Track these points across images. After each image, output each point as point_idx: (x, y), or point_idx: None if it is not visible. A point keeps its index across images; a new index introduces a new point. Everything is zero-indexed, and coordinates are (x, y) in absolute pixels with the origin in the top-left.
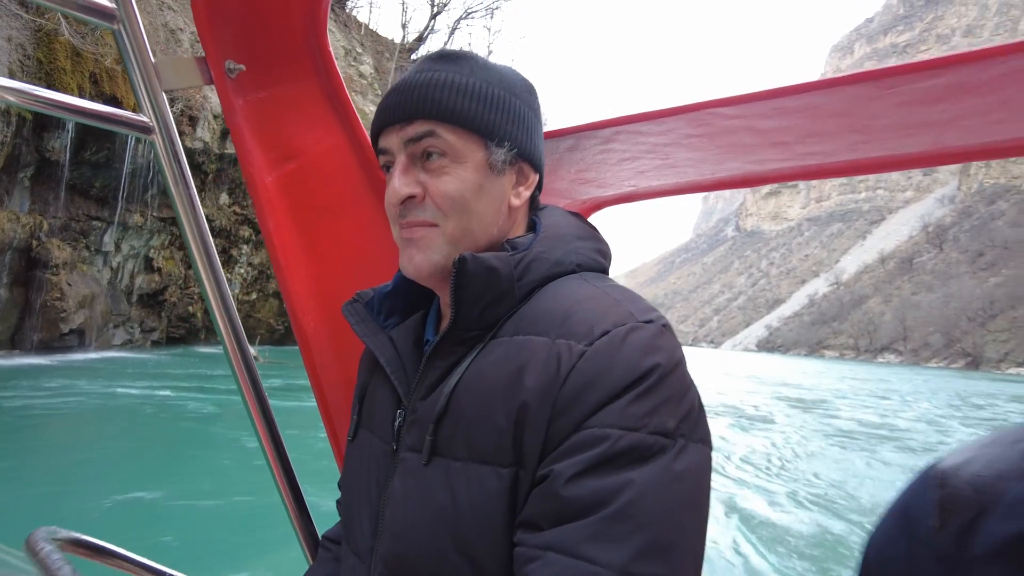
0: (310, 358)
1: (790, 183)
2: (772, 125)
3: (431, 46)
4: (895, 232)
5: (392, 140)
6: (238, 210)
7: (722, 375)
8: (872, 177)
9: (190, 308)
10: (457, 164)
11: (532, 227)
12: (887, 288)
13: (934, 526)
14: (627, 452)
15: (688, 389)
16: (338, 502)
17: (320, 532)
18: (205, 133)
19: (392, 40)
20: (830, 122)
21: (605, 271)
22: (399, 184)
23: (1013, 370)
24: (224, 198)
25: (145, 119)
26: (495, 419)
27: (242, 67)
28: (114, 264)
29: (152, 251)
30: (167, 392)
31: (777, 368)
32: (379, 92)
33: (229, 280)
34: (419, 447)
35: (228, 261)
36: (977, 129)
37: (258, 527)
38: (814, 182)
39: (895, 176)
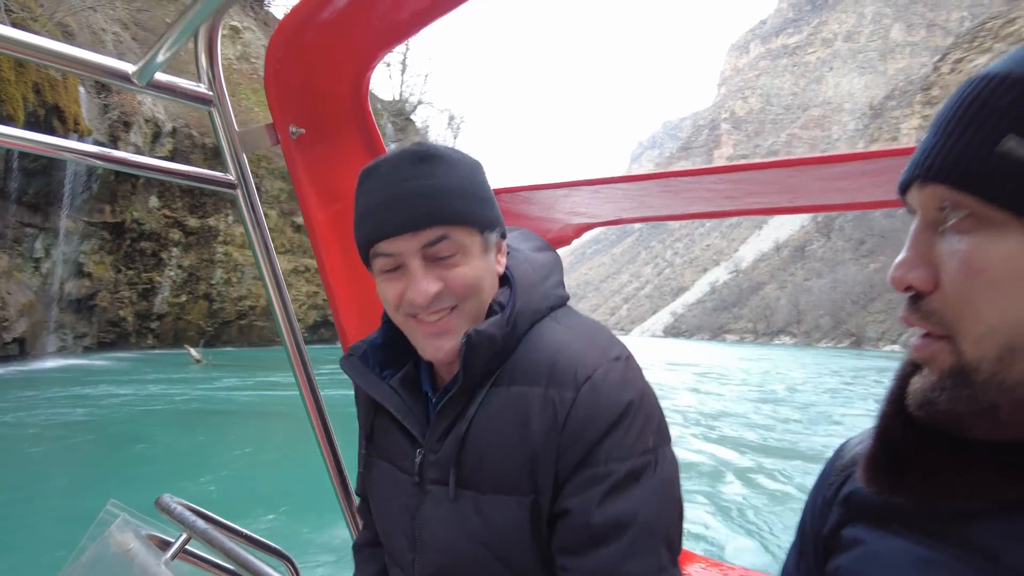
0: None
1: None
2: (722, 188)
3: None
4: (788, 222)
5: (402, 246)
6: (168, 213)
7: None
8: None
9: (120, 312)
10: (467, 256)
11: (506, 278)
12: (782, 275)
13: (832, 483)
14: (627, 477)
15: (654, 407)
16: (360, 509)
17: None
18: (138, 138)
19: None
20: (766, 187)
21: (567, 300)
22: (424, 286)
23: (888, 347)
24: (154, 201)
25: (231, 177)
26: (512, 460)
27: (303, 131)
28: (44, 270)
29: (83, 256)
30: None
31: (685, 352)
32: None
33: (158, 283)
34: (444, 481)
35: (158, 264)
36: (843, 195)
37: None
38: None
39: None
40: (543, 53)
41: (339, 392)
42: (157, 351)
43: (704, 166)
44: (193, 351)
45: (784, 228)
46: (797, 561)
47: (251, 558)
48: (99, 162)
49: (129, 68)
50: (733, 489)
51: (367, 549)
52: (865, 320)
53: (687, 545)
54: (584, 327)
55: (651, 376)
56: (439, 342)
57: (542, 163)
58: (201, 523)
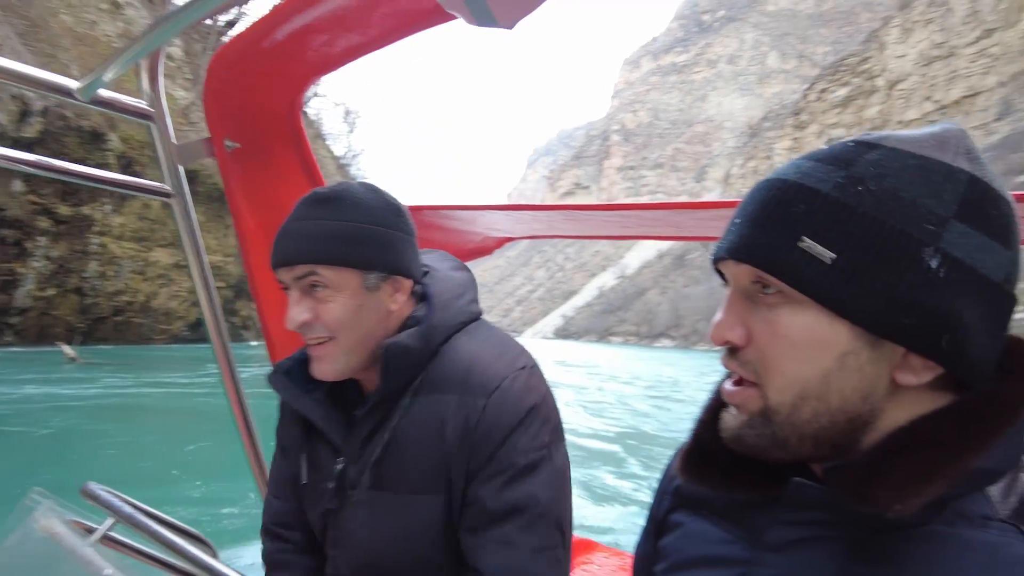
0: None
1: (584, 186)
2: (616, 221)
3: (242, 27)
4: None
5: (284, 275)
6: (35, 199)
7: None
8: (653, 183)
9: None
10: (338, 292)
11: (423, 296)
12: (664, 281)
13: (669, 476)
14: (524, 468)
15: (552, 409)
16: (270, 525)
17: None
18: (1, 116)
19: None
20: (651, 223)
21: (480, 315)
22: (295, 313)
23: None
24: (18, 186)
25: (168, 188)
26: (428, 463)
27: (237, 144)
28: None
29: None
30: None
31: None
32: (189, 76)
33: (22, 275)
34: (364, 485)
35: (22, 254)
36: (717, 231)
37: None
38: (604, 184)
39: (671, 183)
40: (447, 54)
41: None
42: (16, 349)
43: (601, 203)
44: (67, 348)
45: None
46: (646, 541)
47: (175, 540)
48: (31, 169)
49: (73, 84)
50: (624, 472)
51: (278, 565)
52: None
53: (592, 536)
54: (495, 340)
55: (550, 376)
56: (318, 365)
57: (443, 163)
58: (127, 508)
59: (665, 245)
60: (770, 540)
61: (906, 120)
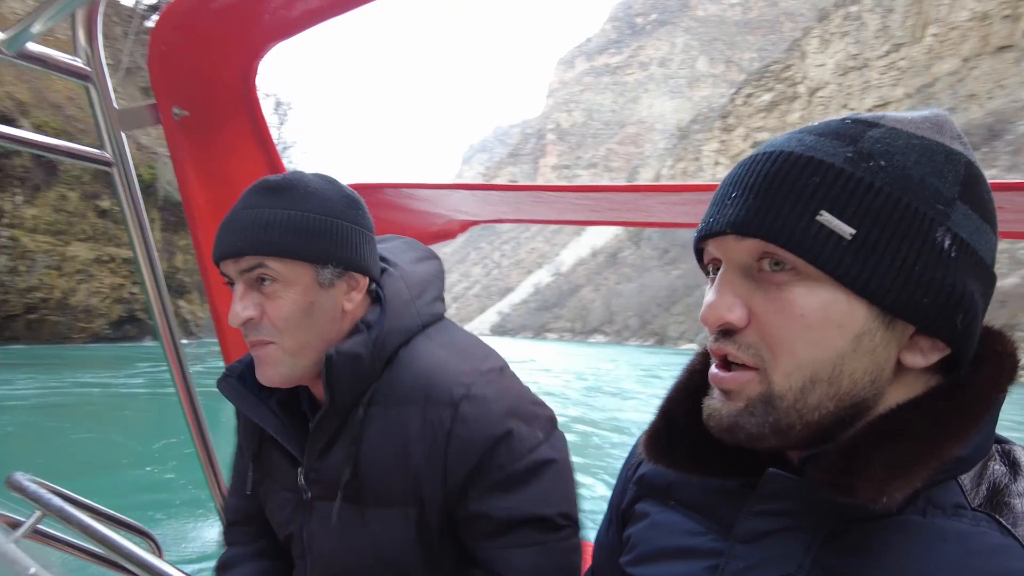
0: (227, 353)
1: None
2: (585, 203)
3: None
4: (604, 230)
5: (229, 268)
6: None
7: None
8: (588, 182)
9: None
10: (288, 288)
11: (377, 298)
12: (597, 278)
13: (632, 465)
14: (527, 472)
15: (535, 404)
16: (230, 523)
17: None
18: None
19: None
20: (621, 205)
21: (443, 315)
22: (240, 308)
23: (687, 345)
24: None
25: (107, 155)
26: (394, 478)
27: (186, 113)
28: None
29: None
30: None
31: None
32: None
33: None
34: (327, 497)
35: None
36: (687, 216)
37: None
38: (539, 182)
39: (604, 183)
40: (382, 46)
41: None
42: None
43: (570, 184)
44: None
45: (600, 236)
46: (607, 530)
47: (110, 535)
48: None
49: None
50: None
51: (229, 568)
52: (668, 321)
53: None
54: (458, 342)
55: None
56: (262, 369)
57: (377, 155)
58: (57, 500)
59: (599, 243)
60: (742, 531)
61: None
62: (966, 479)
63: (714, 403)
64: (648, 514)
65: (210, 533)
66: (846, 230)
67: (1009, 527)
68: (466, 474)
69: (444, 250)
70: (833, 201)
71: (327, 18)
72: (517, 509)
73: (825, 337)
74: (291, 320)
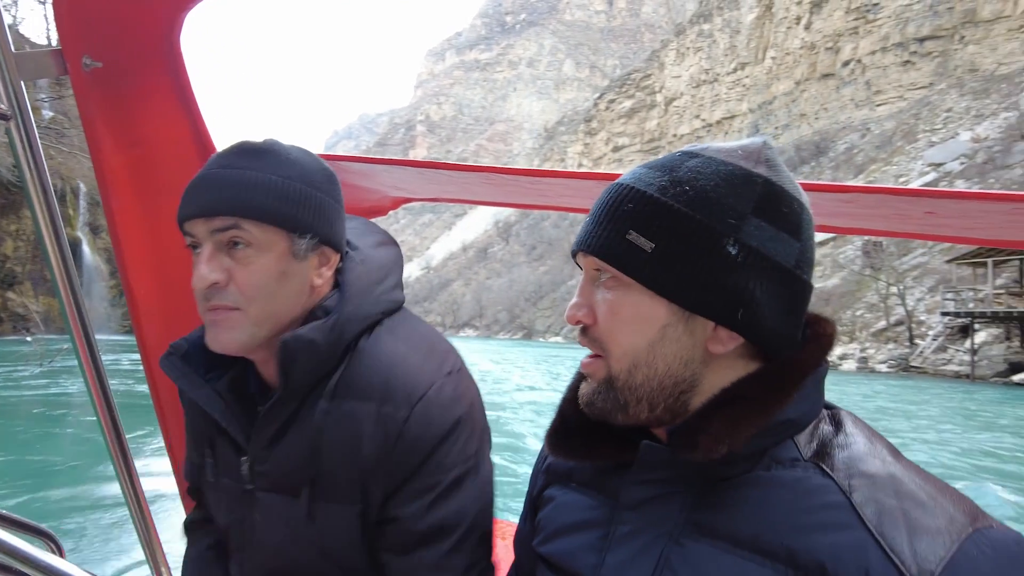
0: (141, 332)
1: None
2: (537, 188)
3: None
4: (474, 225)
5: (198, 228)
6: None
7: None
8: None
9: None
10: (261, 254)
11: (337, 282)
12: (468, 273)
13: (542, 458)
14: (453, 483)
15: (480, 416)
16: (191, 490)
17: (158, 527)
18: None
19: None
20: (576, 191)
21: (403, 303)
22: (206, 271)
23: (553, 338)
24: None
25: (3, 107)
26: (342, 474)
27: (99, 64)
28: None
29: None
30: None
31: None
32: None
33: None
34: (273, 489)
35: None
36: (574, 199)
37: None
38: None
39: None
40: (248, 24)
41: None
42: None
43: (526, 167)
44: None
45: (470, 230)
46: (524, 522)
47: (4, 536)
48: None
49: None
50: None
51: (199, 525)
52: (535, 315)
53: None
54: (420, 338)
55: None
56: (216, 332)
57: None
58: None
59: (469, 238)
60: (626, 499)
61: (680, 134)
62: (801, 438)
63: (583, 387)
64: (554, 498)
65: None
66: (647, 244)
67: (829, 471)
68: (407, 474)
69: None
70: (639, 222)
71: None
72: (437, 520)
73: (638, 329)
74: (261, 288)
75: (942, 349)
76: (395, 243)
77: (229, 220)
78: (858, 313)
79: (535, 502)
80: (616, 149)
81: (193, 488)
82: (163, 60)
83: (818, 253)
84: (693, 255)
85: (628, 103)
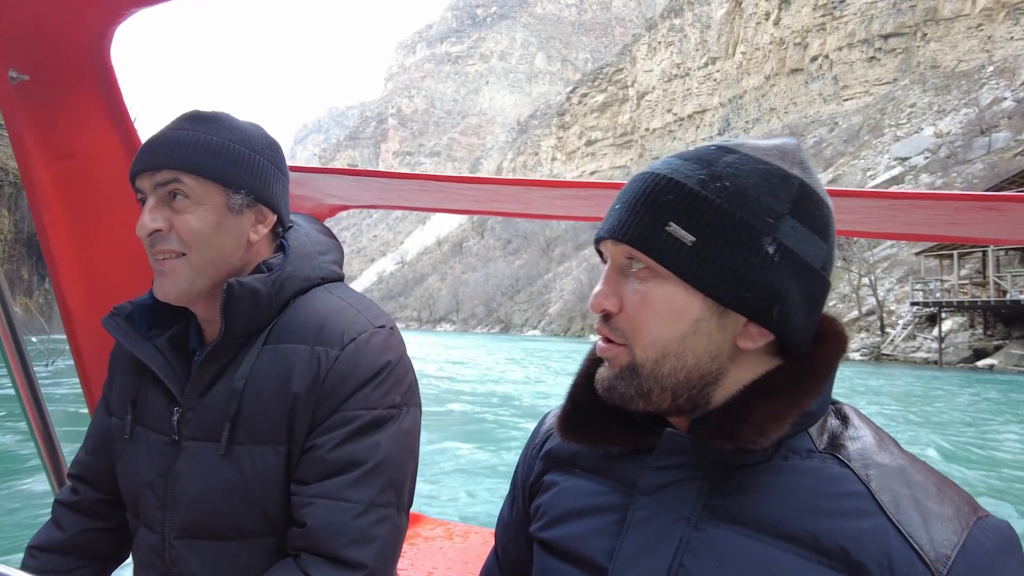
0: (75, 340)
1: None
2: (469, 194)
3: None
4: (449, 220)
5: (145, 183)
6: None
7: None
8: (432, 171)
9: None
10: (198, 205)
11: (281, 247)
12: (443, 267)
13: (537, 444)
14: (371, 424)
15: (408, 372)
16: (72, 472)
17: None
18: None
19: None
20: (505, 197)
21: (342, 278)
22: (148, 219)
23: (530, 332)
24: None
25: None
26: (271, 412)
27: (25, 77)
28: None
29: None
30: None
31: None
32: None
33: None
34: (200, 436)
35: None
36: (563, 210)
37: None
38: (381, 167)
39: (448, 172)
40: (209, 17)
41: None
42: None
43: (457, 175)
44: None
45: (445, 225)
46: (511, 507)
47: None
48: None
49: None
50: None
51: (68, 505)
52: (512, 309)
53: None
54: (357, 299)
55: None
56: (161, 281)
57: None
58: None
59: (444, 232)
60: (644, 484)
61: (652, 128)
62: (813, 430)
63: (600, 371)
64: (556, 483)
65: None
66: (688, 238)
67: (846, 461)
68: (330, 410)
69: None
70: (680, 214)
71: None
72: (346, 454)
73: (670, 321)
74: (197, 235)
75: (911, 337)
76: (335, 237)
77: (170, 174)
78: (831, 304)
79: (531, 488)
80: (589, 143)
81: (75, 468)
82: (92, 74)
83: None
84: (733, 251)
85: (600, 97)
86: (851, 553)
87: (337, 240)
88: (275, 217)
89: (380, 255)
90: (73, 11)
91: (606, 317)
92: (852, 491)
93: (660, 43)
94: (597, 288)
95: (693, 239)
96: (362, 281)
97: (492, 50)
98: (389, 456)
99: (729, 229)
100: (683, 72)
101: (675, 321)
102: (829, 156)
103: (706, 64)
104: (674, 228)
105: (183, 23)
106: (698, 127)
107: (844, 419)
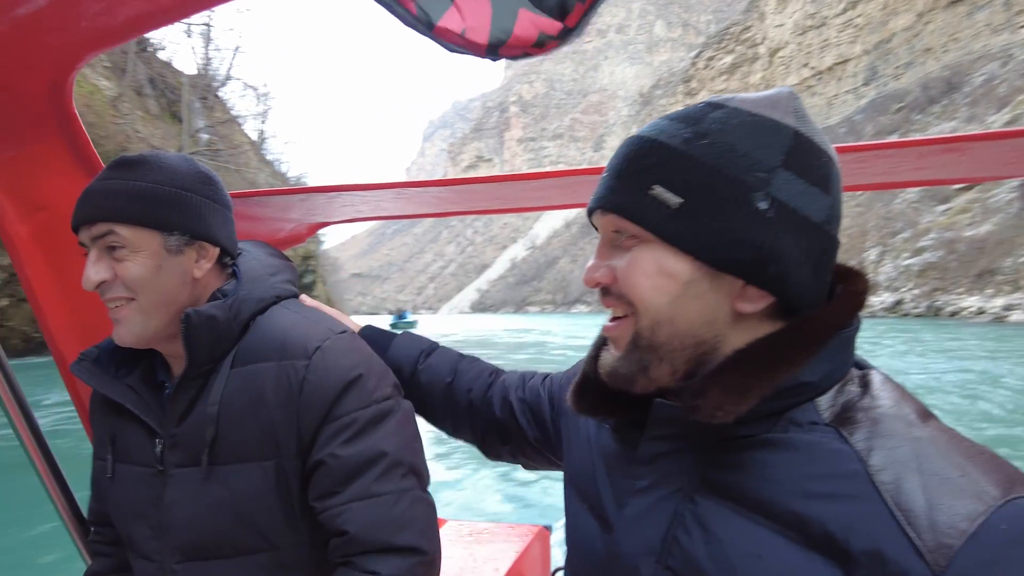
0: (76, 392)
1: (486, 158)
2: (446, 196)
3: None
4: None
5: (83, 236)
6: None
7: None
8: (555, 154)
9: None
10: (136, 252)
11: (234, 274)
12: (574, 249)
13: (545, 387)
14: (371, 420)
15: (385, 367)
16: (92, 540)
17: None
18: None
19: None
20: (481, 195)
21: (297, 295)
22: (92, 273)
23: None
24: None
25: None
26: (250, 431)
27: None
28: None
29: None
30: None
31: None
32: (107, 64)
33: None
34: (186, 463)
35: None
36: (544, 200)
37: None
38: (506, 156)
39: (572, 152)
40: (343, 34)
41: None
42: None
43: (427, 179)
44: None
45: None
46: (542, 381)
47: None
48: None
49: None
50: None
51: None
52: None
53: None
54: (312, 313)
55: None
56: (117, 330)
57: (345, 139)
58: None
59: (571, 214)
60: (641, 454)
61: (788, 85)
62: (823, 400)
63: (604, 355)
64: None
65: None
66: (674, 200)
67: (847, 436)
68: (318, 420)
69: (415, 230)
70: (665, 176)
71: (157, 25)
72: (359, 454)
73: (659, 284)
74: (140, 281)
75: None
76: (286, 257)
77: (104, 227)
78: (1021, 260)
79: (554, 392)
80: None
81: (94, 536)
82: (55, 123)
83: (964, 199)
84: (722, 210)
85: (728, 58)
86: (838, 540)
87: (289, 260)
88: (217, 250)
89: (511, 241)
90: (28, 64)
91: (605, 292)
92: (846, 471)
93: None
94: (589, 262)
95: (680, 201)
96: (496, 268)
97: (608, 24)
98: (400, 444)
99: (716, 187)
100: (819, 22)
101: (664, 285)
102: (1004, 94)
103: (845, 10)
104: (659, 191)
105: (309, 27)
106: (839, 79)
107: (865, 386)
